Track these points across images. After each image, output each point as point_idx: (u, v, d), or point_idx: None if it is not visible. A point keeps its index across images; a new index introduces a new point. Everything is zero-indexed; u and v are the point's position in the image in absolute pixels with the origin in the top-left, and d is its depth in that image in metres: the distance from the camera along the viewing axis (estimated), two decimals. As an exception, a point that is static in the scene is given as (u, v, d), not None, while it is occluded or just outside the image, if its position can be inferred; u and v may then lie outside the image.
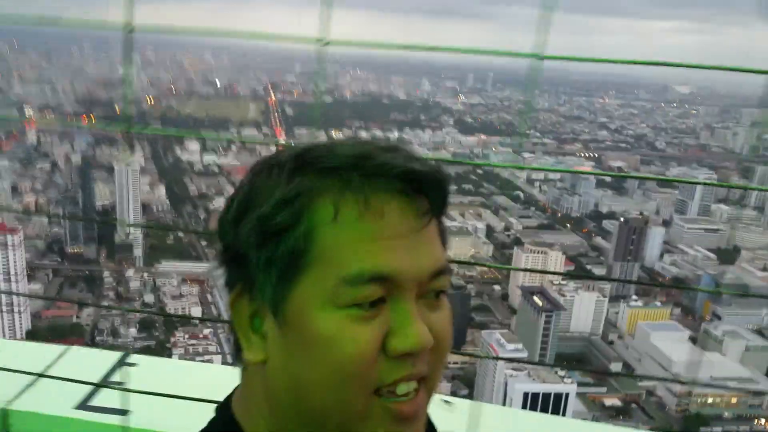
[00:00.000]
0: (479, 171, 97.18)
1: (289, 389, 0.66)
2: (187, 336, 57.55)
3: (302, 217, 0.64)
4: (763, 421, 55.63)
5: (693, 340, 61.04)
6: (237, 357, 0.71)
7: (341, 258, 0.63)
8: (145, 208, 79.09)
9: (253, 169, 0.70)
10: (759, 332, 61.63)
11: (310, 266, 0.64)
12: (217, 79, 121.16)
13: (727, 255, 72.56)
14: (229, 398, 0.76)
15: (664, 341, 57.74)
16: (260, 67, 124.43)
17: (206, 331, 57.87)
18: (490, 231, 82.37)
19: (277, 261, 0.64)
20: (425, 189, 0.65)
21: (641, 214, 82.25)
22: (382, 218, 0.63)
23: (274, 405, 0.69)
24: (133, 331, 59.61)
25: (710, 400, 52.79)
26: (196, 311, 62.25)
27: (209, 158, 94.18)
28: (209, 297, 65.14)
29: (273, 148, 0.75)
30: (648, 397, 57.15)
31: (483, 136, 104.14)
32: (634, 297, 69.38)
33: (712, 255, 73.38)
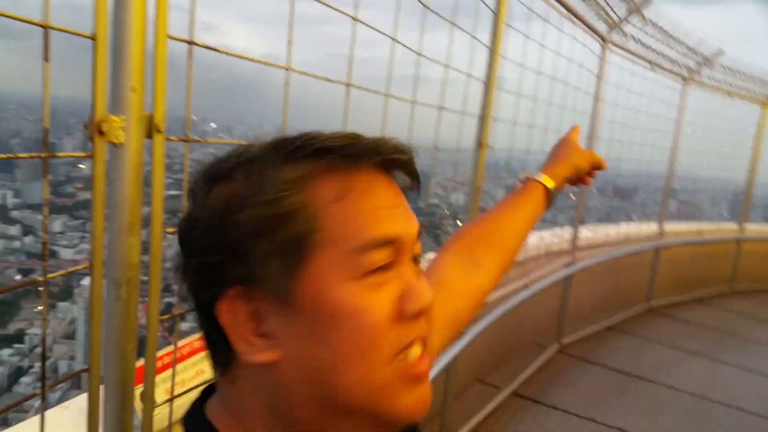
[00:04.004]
0: None
1: (308, 379, 0.62)
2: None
3: (307, 199, 0.62)
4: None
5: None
6: (223, 366, 0.67)
7: (354, 230, 0.62)
8: None
9: (216, 171, 0.66)
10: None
11: (319, 247, 0.62)
12: None
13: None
14: (197, 413, 0.68)
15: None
16: None
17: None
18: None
19: (284, 248, 0.61)
20: (401, 166, 0.69)
21: None
22: (380, 192, 0.66)
23: (283, 405, 0.64)
24: None
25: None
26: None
27: None
28: None
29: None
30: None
31: None
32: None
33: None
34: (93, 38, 0.99)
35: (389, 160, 0.67)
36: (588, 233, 5.51)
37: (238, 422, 0.66)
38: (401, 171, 0.69)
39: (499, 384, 4.08)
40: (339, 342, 0.61)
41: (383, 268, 0.63)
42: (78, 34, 0.99)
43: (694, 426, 4.04)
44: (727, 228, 7.95)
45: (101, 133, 1.00)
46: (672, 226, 6.99)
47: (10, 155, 0.90)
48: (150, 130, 1.09)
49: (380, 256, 0.63)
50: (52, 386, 0.98)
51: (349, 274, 0.61)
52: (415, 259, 0.68)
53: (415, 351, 0.63)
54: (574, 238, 4.98)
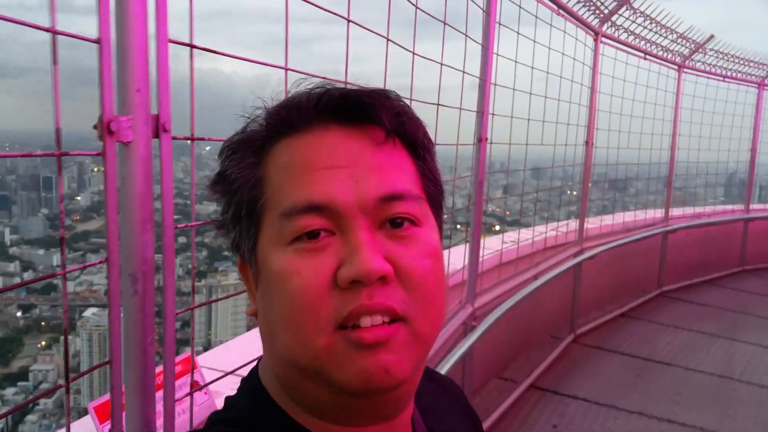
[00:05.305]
0: None
1: (267, 335, 0.67)
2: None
3: (258, 171, 0.66)
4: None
5: None
6: None
7: (282, 196, 0.63)
8: None
9: (223, 148, 0.71)
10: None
11: (263, 213, 0.65)
12: None
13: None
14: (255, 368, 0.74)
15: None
16: None
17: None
18: None
19: (241, 214, 0.66)
20: (372, 116, 0.64)
21: None
22: (319, 151, 0.63)
23: (267, 355, 0.70)
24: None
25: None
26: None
27: None
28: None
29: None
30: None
31: None
32: None
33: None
34: (98, 42, 1.01)
35: (343, 111, 0.64)
36: (592, 225, 5.52)
37: (265, 370, 0.71)
38: (376, 119, 0.64)
39: (516, 378, 4.08)
40: (277, 306, 0.62)
41: (314, 234, 0.61)
42: (83, 39, 1.01)
43: (716, 405, 4.02)
44: (732, 209, 7.96)
45: (110, 132, 1.02)
46: (676, 212, 6.99)
47: (27, 154, 0.92)
48: (157, 129, 1.11)
49: (307, 222, 0.61)
50: (76, 378, 0.99)
51: (280, 240, 0.62)
52: (393, 223, 0.63)
53: (363, 321, 0.59)
54: (581, 228, 4.99)
